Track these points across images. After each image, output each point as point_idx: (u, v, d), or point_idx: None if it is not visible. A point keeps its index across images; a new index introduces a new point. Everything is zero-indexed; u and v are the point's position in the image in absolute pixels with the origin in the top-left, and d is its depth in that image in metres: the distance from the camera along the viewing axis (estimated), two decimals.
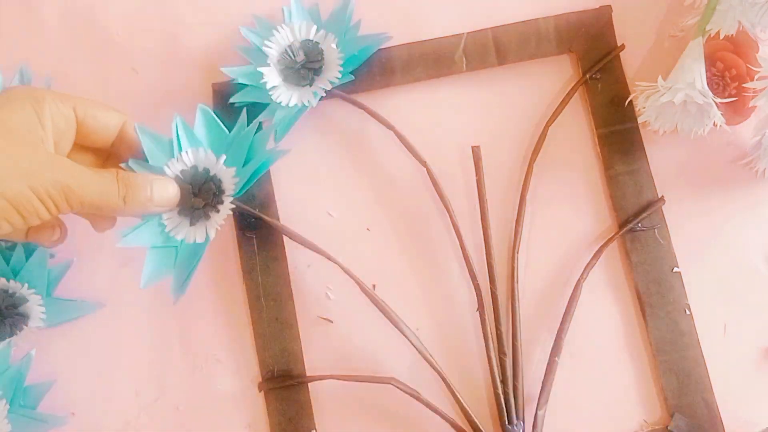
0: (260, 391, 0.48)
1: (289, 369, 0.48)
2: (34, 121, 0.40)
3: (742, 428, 0.47)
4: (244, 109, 0.48)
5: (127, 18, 0.54)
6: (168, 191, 0.45)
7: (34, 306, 0.48)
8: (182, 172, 0.47)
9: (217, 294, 0.50)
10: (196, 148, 0.47)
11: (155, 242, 0.46)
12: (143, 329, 0.50)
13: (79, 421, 0.49)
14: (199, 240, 0.46)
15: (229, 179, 0.46)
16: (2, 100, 0.40)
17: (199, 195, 0.46)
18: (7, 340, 0.48)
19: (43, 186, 0.38)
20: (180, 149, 0.46)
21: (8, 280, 0.48)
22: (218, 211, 0.46)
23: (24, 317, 0.48)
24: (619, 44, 0.51)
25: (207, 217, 0.46)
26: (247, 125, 0.47)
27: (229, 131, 0.48)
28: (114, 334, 0.50)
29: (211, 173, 0.47)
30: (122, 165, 0.45)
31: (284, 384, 0.48)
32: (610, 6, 0.51)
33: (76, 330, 0.50)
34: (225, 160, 0.47)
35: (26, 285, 0.48)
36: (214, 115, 0.47)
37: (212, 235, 0.46)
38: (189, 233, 0.46)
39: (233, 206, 0.46)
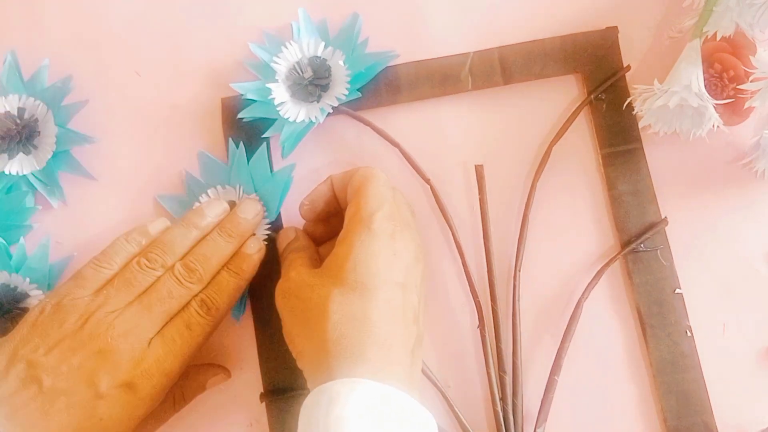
0: (262, 402, 0.49)
1: (291, 380, 0.48)
2: None
3: None
4: (241, 144, 0.50)
5: (132, 23, 0.54)
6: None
7: (36, 301, 0.49)
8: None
9: None
10: (214, 187, 0.50)
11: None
12: None
13: None
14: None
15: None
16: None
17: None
18: None
19: None
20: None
21: (10, 275, 0.49)
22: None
23: (25, 312, 0.49)
24: (624, 65, 0.51)
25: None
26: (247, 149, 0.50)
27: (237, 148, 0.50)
28: None
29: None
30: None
31: (286, 395, 0.48)
32: (616, 27, 0.51)
33: None
34: (244, 190, 0.50)
35: (28, 279, 0.49)
36: (210, 155, 0.51)
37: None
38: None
39: (269, 231, 0.49)
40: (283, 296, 0.43)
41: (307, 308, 0.40)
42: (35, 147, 0.51)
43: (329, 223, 0.48)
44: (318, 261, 0.45)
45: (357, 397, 0.36)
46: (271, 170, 0.50)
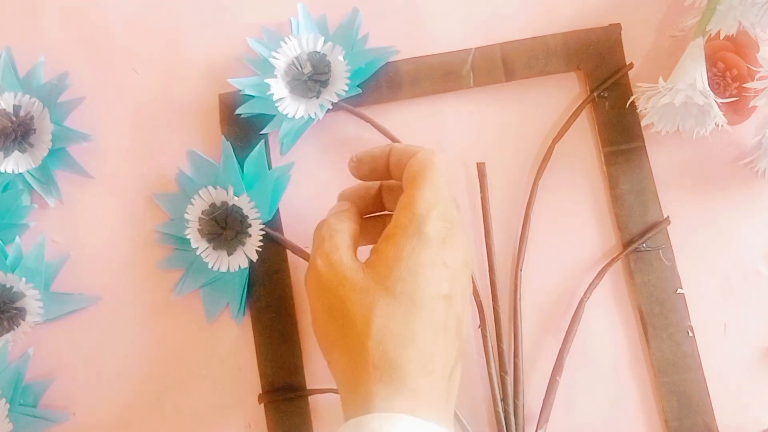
0: (260, 403, 0.48)
1: (290, 382, 0.48)
2: None
3: None
4: (228, 143, 0.49)
5: (128, 19, 0.53)
6: None
7: (32, 300, 0.49)
8: (203, 212, 0.49)
9: None
10: (206, 187, 0.49)
11: (205, 281, 0.49)
12: (142, 323, 0.50)
13: (78, 419, 0.49)
14: (243, 266, 0.49)
15: (246, 205, 0.48)
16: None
17: (227, 227, 0.48)
18: (5, 337, 0.48)
19: None
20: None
21: (6, 274, 0.49)
22: (251, 236, 0.49)
23: (22, 312, 0.48)
24: (627, 63, 0.51)
25: (243, 243, 0.49)
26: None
27: (234, 149, 0.49)
28: (112, 327, 0.50)
29: (230, 204, 0.49)
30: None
31: (284, 397, 0.48)
32: (619, 24, 0.51)
33: (73, 324, 0.50)
34: (235, 191, 0.49)
35: (24, 279, 0.48)
36: (201, 154, 0.50)
37: (254, 257, 0.49)
38: (231, 262, 0.49)
39: (263, 231, 0.49)
40: (318, 285, 0.39)
41: (349, 314, 0.37)
42: (31, 145, 0.50)
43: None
44: (357, 242, 0.41)
45: None
46: (270, 168, 0.50)
